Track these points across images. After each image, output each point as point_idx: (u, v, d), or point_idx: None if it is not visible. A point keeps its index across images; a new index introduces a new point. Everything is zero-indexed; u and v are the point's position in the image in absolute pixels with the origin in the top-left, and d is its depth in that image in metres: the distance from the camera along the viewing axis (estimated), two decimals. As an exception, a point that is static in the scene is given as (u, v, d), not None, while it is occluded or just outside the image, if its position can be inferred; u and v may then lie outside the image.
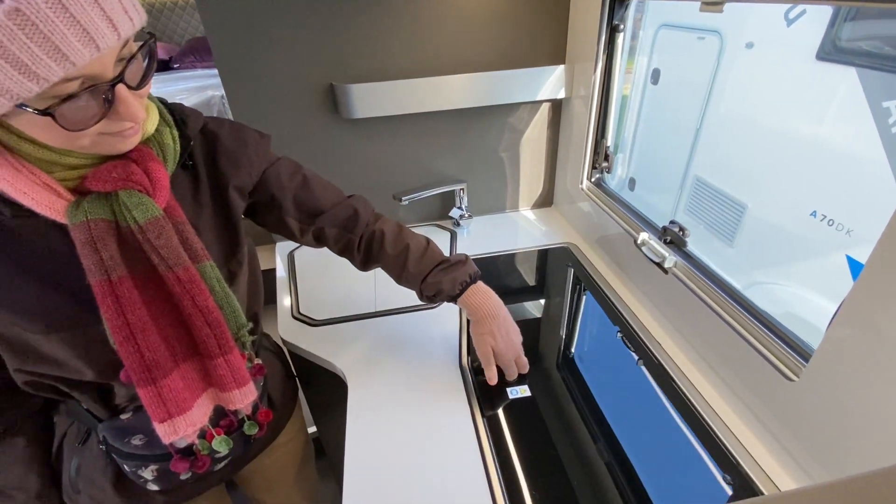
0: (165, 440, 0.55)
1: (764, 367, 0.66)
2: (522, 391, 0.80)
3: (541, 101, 1.24)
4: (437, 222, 1.38)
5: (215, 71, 2.96)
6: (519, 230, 1.33)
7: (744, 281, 2.19)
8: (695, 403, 0.76)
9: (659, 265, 0.89)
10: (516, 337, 0.80)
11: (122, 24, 0.39)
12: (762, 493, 0.62)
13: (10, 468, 0.63)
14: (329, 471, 1.64)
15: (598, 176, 1.20)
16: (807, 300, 1.96)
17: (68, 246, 0.48)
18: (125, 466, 0.63)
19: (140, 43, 0.45)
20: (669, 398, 0.79)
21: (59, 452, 0.66)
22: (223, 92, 2.94)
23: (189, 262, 0.53)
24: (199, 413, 0.57)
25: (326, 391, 1.03)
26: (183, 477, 0.65)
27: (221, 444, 0.64)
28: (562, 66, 1.15)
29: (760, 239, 2.09)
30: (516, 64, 1.16)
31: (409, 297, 1.03)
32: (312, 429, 1.67)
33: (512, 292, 1.11)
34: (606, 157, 1.16)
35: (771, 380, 0.65)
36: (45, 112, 0.38)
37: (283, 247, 1.30)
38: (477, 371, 0.84)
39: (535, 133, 1.29)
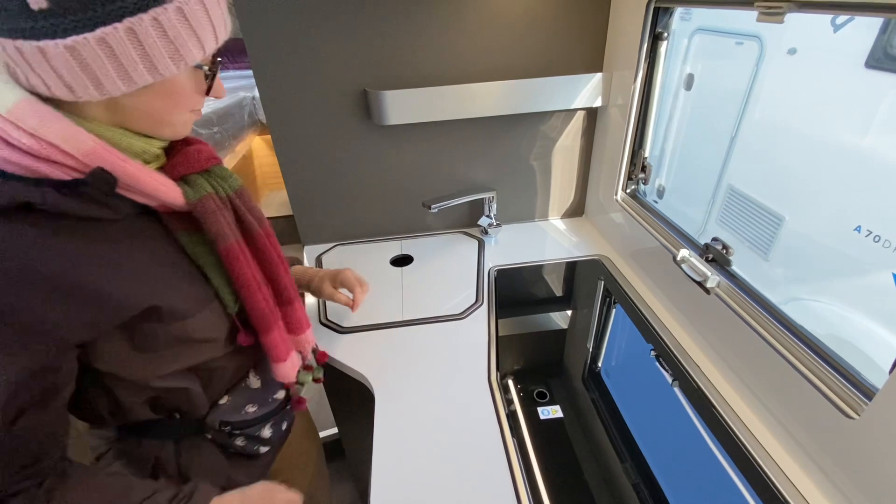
0: (285, 378, 0.67)
1: (818, 400, 0.62)
2: (554, 412, 0.78)
3: (575, 110, 1.20)
4: (465, 230, 1.36)
5: (246, 72, 3.00)
6: (548, 240, 1.31)
7: (780, 296, 2.11)
8: (736, 430, 0.72)
9: (700, 284, 0.85)
10: None
11: (229, 25, 0.52)
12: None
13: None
14: (346, 471, 1.65)
15: (633, 187, 1.16)
16: (849, 319, 1.86)
17: (165, 231, 0.55)
18: (239, 441, 0.69)
19: None
20: (707, 423, 0.75)
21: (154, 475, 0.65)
22: (255, 93, 2.97)
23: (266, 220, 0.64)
24: (295, 355, 0.69)
25: (350, 395, 1.02)
26: (283, 427, 0.76)
27: (306, 376, 0.74)
28: (599, 74, 1.12)
29: (798, 253, 2.00)
30: (552, 71, 1.13)
31: (437, 307, 1.03)
32: (333, 430, 1.68)
33: (541, 303, 1.09)
34: (644, 169, 1.12)
35: (826, 415, 0.61)
36: (211, 70, 0.52)
37: (312, 250, 1.31)
38: (506, 388, 0.82)
39: (568, 141, 1.26)
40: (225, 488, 0.64)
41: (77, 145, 0.44)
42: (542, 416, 0.77)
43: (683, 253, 0.90)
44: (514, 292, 1.11)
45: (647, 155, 1.11)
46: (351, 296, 0.89)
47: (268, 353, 0.64)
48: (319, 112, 1.12)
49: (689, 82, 2.68)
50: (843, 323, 1.84)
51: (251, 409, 0.69)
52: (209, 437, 0.67)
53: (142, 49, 0.43)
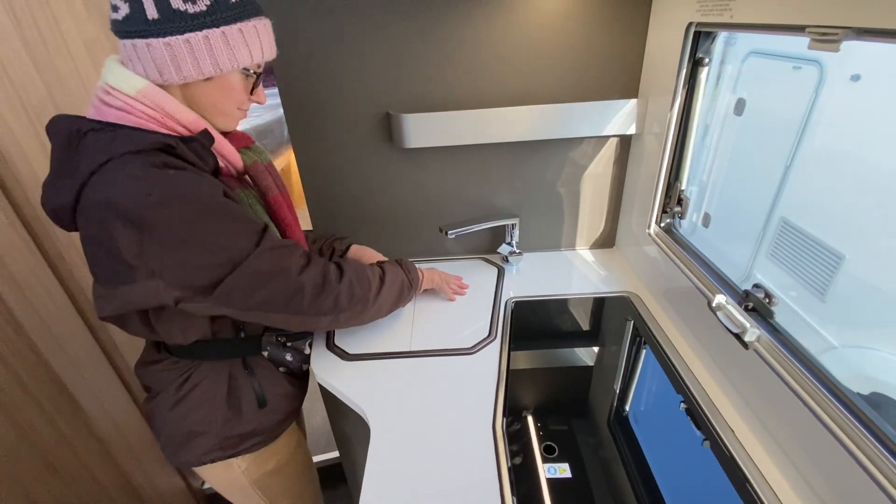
0: None
1: (874, 492, 0.52)
2: (561, 470, 0.70)
3: (607, 137, 1.14)
4: (486, 256, 1.31)
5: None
6: (574, 271, 1.23)
7: (836, 341, 1.91)
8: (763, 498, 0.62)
9: (738, 337, 0.76)
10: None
11: (273, 47, 0.74)
12: None
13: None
14: (346, 499, 1.60)
15: (668, 221, 1.07)
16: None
17: (227, 188, 0.71)
18: (289, 356, 0.90)
19: None
20: (740, 494, 0.65)
21: (235, 389, 0.85)
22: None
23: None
24: None
25: (355, 420, 0.98)
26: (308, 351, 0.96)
27: None
28: (633, 101, 1.05)
29: (860, 296, 1.81)
30: (583, 96, 1.07)
31: (446, 339, 0.98)
32: (335, 453, 1.64)
33: (559, 342, 1.01)
34: (680, 202, 1.03)
35: (886, 513, 0.51)
36: (255, 74, 0.73)
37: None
38: (511, 437, 0.76)
39: (600, 169, 1.19)
40: (286, 396, 0.91)
41: (186, 117, 0.68)
42: (547, 475, 0.70)
43: (720, 299, 0.81)
44: (530, 328, 1.04)
45: (683, 187, 1.02)
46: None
47: None
48: (343, 134, 1.12)
49: (739, 107, 2.54)
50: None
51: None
52: (265, 354, 0.87)
53: (210, 50, 0.65)
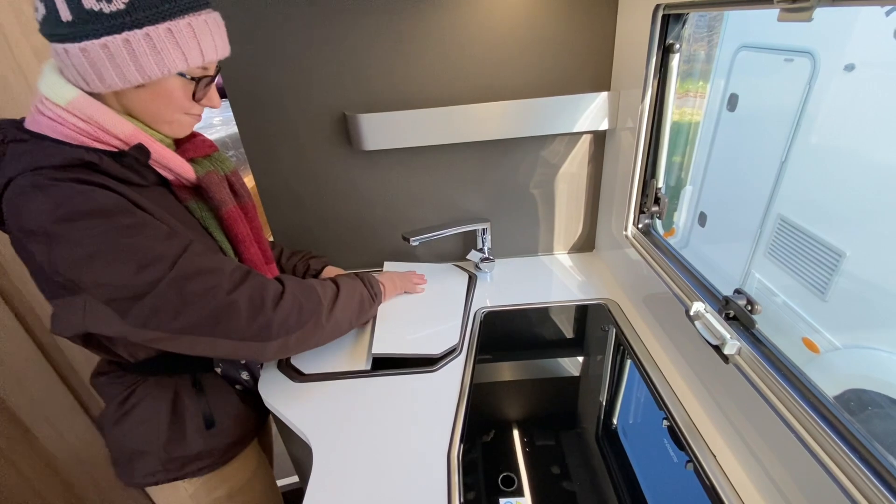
0: None
1: (872, 536, 0.44)
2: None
3: (580, 133, 1.07)
4: (458, 262, 1.23)
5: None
6: (551, 278, 1.15)
7: (837, 341, 1.82)
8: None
9: (717, 349, 0.68)
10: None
11: (227, 46, 0.67)
12: None
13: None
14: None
15: (646, 222, 1.00)
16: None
17: (176, 199, 0.71)
18: (244, 374, 0.86)
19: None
20: None
21: (179, 408, 0.78)
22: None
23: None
24: None
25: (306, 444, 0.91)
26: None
27: None
28: (605, 93, 0.98)
29: (862, 294, 1.73)
30: (552, 91, 1.00)
31: (409, 358, 0.90)
32: (294, 478, 1.55)
33: (530, 358, 0.94)
34: (657, 201, 0.96)
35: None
36: (193, 79, 0.64)
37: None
38: (467, 469, 0.68)
39: (574, 168, 1.12)
40: (237, 417, 0.84)
41: (123, 129, 0.62)
42: (504, 510, 0.62)
43: (698, 307, 0.73)
44: (499, 340, 0.96)
45: (660, 185, 0.95)
46: None
47: None
48: (297, 137, 1.05)
49: (732, 103, 2.46)
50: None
51: None
52: (218, 371, 0.82)
53: (134, 55, 0.57)
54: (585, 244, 1.23)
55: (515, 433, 0.76)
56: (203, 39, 0.61)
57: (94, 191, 0.58)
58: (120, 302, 0.60)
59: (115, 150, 0.63)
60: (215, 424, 0.81)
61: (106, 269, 0.58)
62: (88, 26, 0.54)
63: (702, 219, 2.55)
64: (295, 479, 1.55)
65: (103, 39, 0.55)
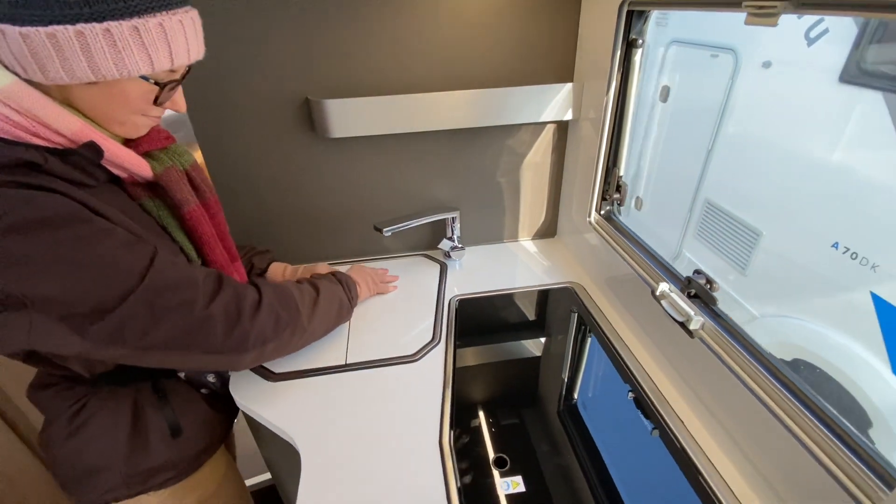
0: None
1: (822, 478, 0.51)
2: (514, 485, 0.65)
3: (545, 123, 1.10)
4: (426, 252, 1.23)
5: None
6: (518, 264, 1.19)
7: (756, 312, 2.04)
8: (715, 490, 0.61)
9: (682, 325, 0.74)
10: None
11: (200, 51, 0.59)
12: None
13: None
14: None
15: (608, 208, 1.05)
16: (825, 337, 1.81)
17: (129, 197, 0.63)
18: (210, 376, 0.80)
19: None
20: (694, 488, 0.64)
21: (140, 417, 0.72)
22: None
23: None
24: None
25: (280, 443, 0.88)
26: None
27: None
28: (569, 85, 1.01)
29: (777, 269, 1.94)
30: (518, 81, 1.02)
31: (387, 347, 0.90)
32: (266, 475, 1.51)
33: (507, 341, 0.97)
34: (619, 188, 1.01)
35: (833, 498, 0.50)
36: (157, 84, 0.57)
37: (252, 277, 1.16)
38: (460, 454, 0.69)
39: (538, 157, 1.15)
40: (206, 422, 0.79)
41: (67, 124, 0.53)
42: (503, 491, 0.65)
43: (663, 287, 0.79)
44: (476, 326, 0.98)
45: (622, 174, 1.01)
46: None
47: None
48: (256, 123, 0.99)
49: (664, 94, 2.63)
50: (822, 341, 1.78)
51: None
52: (182, 376, 0.76)
53: (88, 51, 0.49)
54: (548, 230, 1.28)
55: (502, 414, 0.78)
56: (175, 41, 0.54)
57: (42, 196, 0.51)
58: (78, 319, 0.54)
59: (58, 147, 0.54)
60: (182, 432, 0.76)
61: (60, 285, 0.52)
62: (34, 10, 0.46)
63: (638, 203, 2.74)
64: (265, 476, 1.50)
65: (51, 28, 0.47)
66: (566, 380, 0.87)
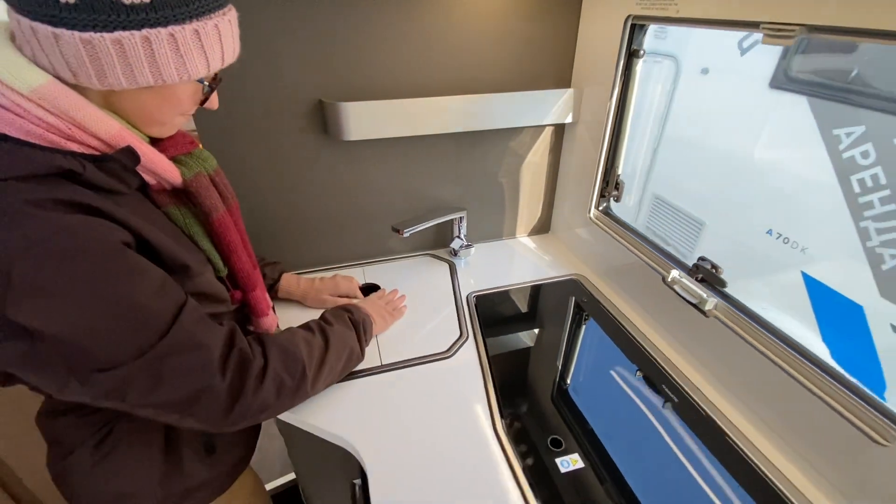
0: (269, 330, 0.79)
1: (840, 426, 0.62)
2: (574, 461, 0.71)
3: (544, 126, 1.16)
4: (432, 252, 1.26)
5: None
6: (520, 260, 1.25)
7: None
8: (751, 456, 0.70)
9: (696, 307, 0.84)
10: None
11: (237, 48, 0.58)
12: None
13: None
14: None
15: (605, 204, 1.14)
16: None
17: (153, 208, 0.60)
18: None
19: None
20: (715, 449, 0.72)
21: (173, 437, 0.69)
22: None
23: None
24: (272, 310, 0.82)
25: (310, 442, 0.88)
26: None
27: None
28: (570, 90, 1.09)
29: (719, 255, 2.17)
30: (522, 86, 1.08)
31: (418, 345, 0.92)
32: (290, 476, 1.48)
33: (530, 330, 1.02)
34: (617, 185, 1.10)
35: (851, 442, 0.61)
36: (210, 86, 0.58)
37: (257, 285, 1.12)
38: (516, 439, 0.74)
39: (537, 158, 1.21)
40: (237, 435, 0.77)
41: (106, 128, 0.51)
42: (562, 469, 0.70)
43: (674, 274, 0.89)
44: (498, 320, 1.03)
45: (620, 172, 1.10)
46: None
47: (253, 309, 0.76)
48: (263, 125, 0.96)
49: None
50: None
51: None
52: None
53: (152, 57, 0.48)
54: (543, 227, 1.35)
55: (542, 398, 0.83)
56: (225, 42, 0.54)
57: (80, 223, 0.47)
58: (83, 366, 0.49)
59: (95, 152, 0.51)
60: (216, 448, 0.73)
61: (77, 326, 0.47)
62: (100, 15, 0.44)
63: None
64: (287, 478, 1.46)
65: (117, 34, 0.45)
66: (582, 363, 0.93)
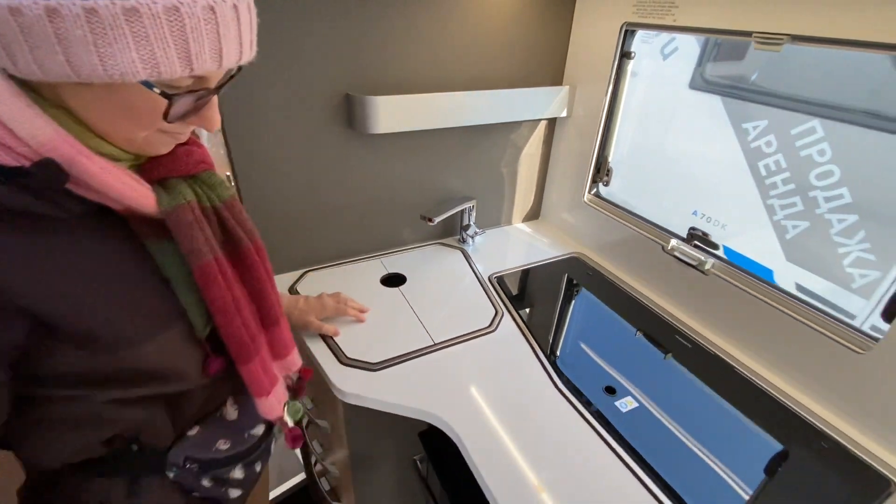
0: (271, 413, 0.60)
1: (824, 344, 0.80)
2: (630, 403, 0.82)
3: (540, 119, 1.28)
4: (441, 241, 1.32)
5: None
6: (523, 243, 1.36)
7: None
8: (758, 383, 0.87)
9: (696, 268, 1.00)
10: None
11: (245, 53, 0.43)
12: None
13: None
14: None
15: (596, 189, 1.29)
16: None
17: (130, 234, 0.47)
18: (205, 482, 0.60)
19: None
20: (726, 383, 0.88)
21: None
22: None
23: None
24: (281, 383, 0.62)
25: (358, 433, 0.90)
26: (257, 469, 0.68)
27: (297, 412, 0.68)
28: (566, 87, 1.21)
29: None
30: (522, 83, 1.18)
31: (462, 323, 0.98)
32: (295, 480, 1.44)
33: (552, 302, 1.13)
34: (608, 172, 1.26)
35: (836, 355, 0.79)
36: (165, 95, 0.39)
37: (279, 280, 1.10)
38: (575, 393, 0.84)
39: (533, 149, 1.33)
40: None
41: (32, 130, 0.37)
42: (622, 410, 0.81)
43: (673, 242, 1.05)
44: (524, 295, 1.12)
45: (610, 159, 1.25)
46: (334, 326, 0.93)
47: (248, 387, 0.57)
48: (290, 118, 0.96)
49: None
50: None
51: (223, 445, 0.61)
52: (171, 475, 0.58)
53: (64, 37, 0.34)
54: (533, 213, 1.48)
55: (591, 352, 0.94)
56: (195, 37, 0.37)
57: None
58: None
59: (22, 162, 0.38)
60: None
61: None
62: None
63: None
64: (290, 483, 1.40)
65: (17, 1, 0.32)
66: (601, 324, 1.07)
